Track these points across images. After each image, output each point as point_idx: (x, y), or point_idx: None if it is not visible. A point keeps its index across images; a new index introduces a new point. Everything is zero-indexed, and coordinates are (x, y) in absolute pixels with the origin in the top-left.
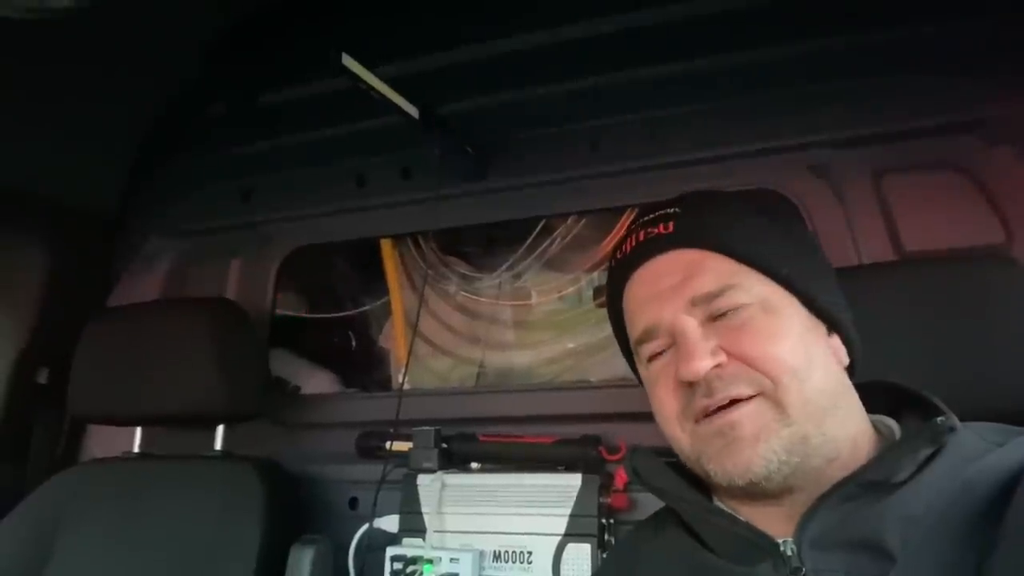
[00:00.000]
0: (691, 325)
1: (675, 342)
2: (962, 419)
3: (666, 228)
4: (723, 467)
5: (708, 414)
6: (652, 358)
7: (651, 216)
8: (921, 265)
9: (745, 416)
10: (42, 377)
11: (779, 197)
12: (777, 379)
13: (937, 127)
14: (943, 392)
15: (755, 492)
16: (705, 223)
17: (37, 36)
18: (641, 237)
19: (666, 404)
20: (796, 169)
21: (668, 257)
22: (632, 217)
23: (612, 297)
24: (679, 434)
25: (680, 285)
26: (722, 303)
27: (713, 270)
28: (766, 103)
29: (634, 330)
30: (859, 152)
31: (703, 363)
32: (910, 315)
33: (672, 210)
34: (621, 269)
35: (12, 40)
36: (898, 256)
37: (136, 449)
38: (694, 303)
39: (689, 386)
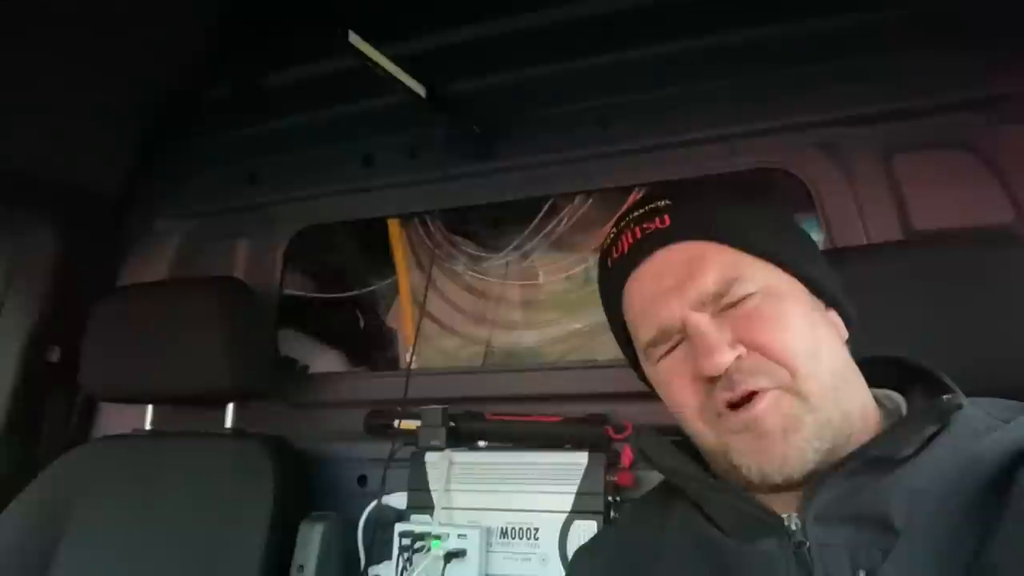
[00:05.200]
0: (704, 321)
1: (687, 337)
2: (970, 396)
3: (662, 222)
4: (758, 465)
5: (732, 407)
6: (662, 357)
7: (641, 211)
8: (930, 244)
9: (768, 409)
10: (53, 356)
11: (787, 176)
12: (794, 369)
13: (947, 105)
14: (951, 370)
15: (786, 485)
16: (700, 214)
17: (43, 18)
18: (638, 234)
19: (685, 399)
20: (805, 148)
21: (668, 252)
22: (619, 214)
23: (609, 298)
24: (703, 428)
25: (685, 281)
26: (730, 297)
27: (716, 263)
28: (775, 81)
29: (644, 333)
30: (868, 130)
31: (724, 357)
32: (918, 294)
33: (663, 203)
34: (618, 269)
35: (18, 23)
36: (907, 235)
37: (147, 427)
38: (702, 300)
39: (709, 380)
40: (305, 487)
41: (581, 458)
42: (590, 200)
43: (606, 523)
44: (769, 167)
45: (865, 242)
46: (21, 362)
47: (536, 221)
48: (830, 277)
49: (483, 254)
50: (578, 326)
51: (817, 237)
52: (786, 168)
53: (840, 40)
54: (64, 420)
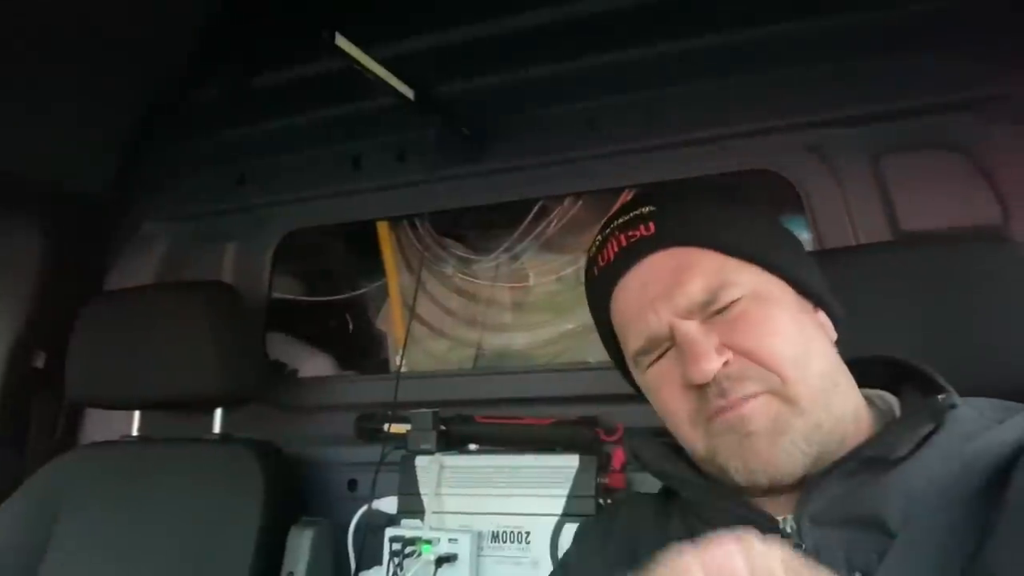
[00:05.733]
0: (692, 328)
1: (675, 344)
2: (960, 396)
3: (647, 230)
4: (745, 465)
5: (722, 413)
6: (651, 364)
7: (626, 218)
8: (918, 245)
9: (756, 410)
10: (39, 361)
11: (776, 178)
12: (784, 374)
13: (935, 106)
14: (940, 370)
15: (775, 487)
16: (685, 220)
17: (29, 19)
18: (624, 242)
19: (676, 406)
20: (793, 149)
21: (654, 260)
22: (604, 220)
23: (597, 305)
24: (692, 435)
25: (672, 289)
26: (718, 303)
27: (702, 270)
28: (764, 83)
29: (633, 342)
30: (857, 132)
31: (711, 364)
32: (907, 295)
33: (647, 209)
34: (604, 277)
35: (4, 24)
36: (895, 236)
37: (135, 432)
38: (690, 308)
39: (699, 387)
40: (294, 492)
41: (572, 461)
42: (580, 201)
43: None
44: (757, 168)
45: (853, 243)
46: (6, 367)
47: (526, 223)
48: (817, 278)
49: (473, 256)
50: (569, 327)
51: (805, 238)
52: (774, 169)
53: (828, 42)
54: (50, 426)
